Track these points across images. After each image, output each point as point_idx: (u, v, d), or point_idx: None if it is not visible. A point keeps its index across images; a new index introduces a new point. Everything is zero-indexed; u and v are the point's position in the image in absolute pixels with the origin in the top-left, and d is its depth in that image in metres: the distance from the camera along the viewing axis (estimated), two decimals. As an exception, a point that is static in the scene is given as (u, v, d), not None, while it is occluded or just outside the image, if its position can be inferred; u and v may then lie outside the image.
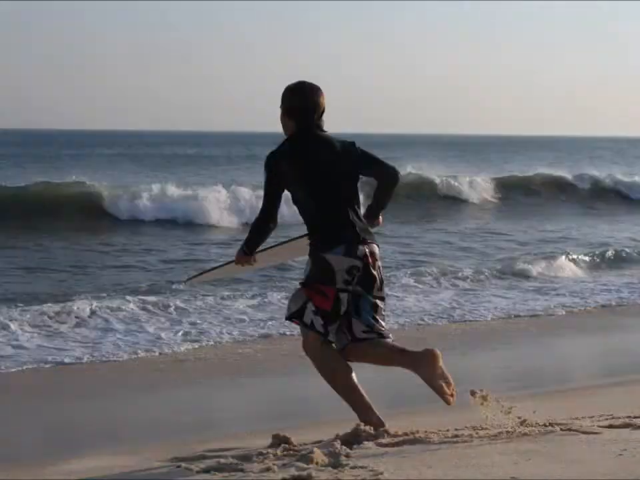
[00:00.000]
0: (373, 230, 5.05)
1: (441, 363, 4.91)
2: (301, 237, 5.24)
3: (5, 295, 12.02)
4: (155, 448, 5.73)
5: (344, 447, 4.67)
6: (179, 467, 4.75)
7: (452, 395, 4.96)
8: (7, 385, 8.22)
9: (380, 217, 5.17)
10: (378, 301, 4.97)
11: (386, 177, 5.05)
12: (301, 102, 4.93)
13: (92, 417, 7.34)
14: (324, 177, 4.88)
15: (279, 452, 4.76)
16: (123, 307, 10.89)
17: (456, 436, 4.93)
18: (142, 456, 5.39)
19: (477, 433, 5.00)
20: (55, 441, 6.75)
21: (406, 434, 4.96)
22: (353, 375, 4.98)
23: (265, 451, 4.79)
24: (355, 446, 4.76)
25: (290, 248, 5.53)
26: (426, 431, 5.01)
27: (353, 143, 5.02)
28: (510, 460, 4.43)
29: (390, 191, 5.10)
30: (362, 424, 4.97)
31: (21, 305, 11.01)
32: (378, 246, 5.01)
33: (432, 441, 4.87)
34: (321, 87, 5.10)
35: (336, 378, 4.96)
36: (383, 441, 4.85)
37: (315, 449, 4.62)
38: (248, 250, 5.06)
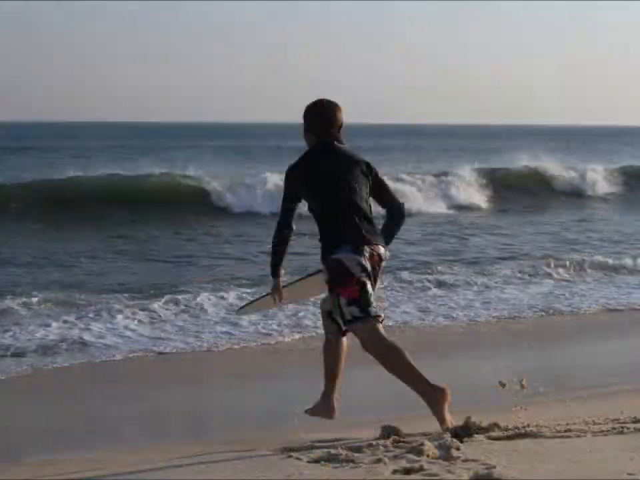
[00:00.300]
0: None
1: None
2: (318, 271, 5.53)
3: (112, 285, 12.34)
4: (263, 437, 5.81)
5: (454, 440, 4.64)
6: (289, 456, 4.79)
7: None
8: (115, 373, 8.47)
9: None
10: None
11: (395, 209, 5.46)
12: (320, 118, 5.35)
13: (196, 404, 7.48)
14: (332, 185, 5.25)
15: (389, 443, 4.76)
16: (225, 297, 11.12)
17: (568, 430, 4.86)
18: (251, 445, 5.46)
19: (589, 427, 4.93)
20: (162, 427, 6.92)
21: (517, 427, 4.91)
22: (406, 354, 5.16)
23: (374, 442, 4.79)
24: (465, 439, 4.74)
25: (311, 284, 5.77)
26: (537, 425, 4.95)
27: (368, 163, 5.38)
28: (625, 456, 4.33)
29: (397, 227, 5.47)
30: (471, 417, 4.95)
31: (128, 294, 11.31)
32: (384, 248, 5.29)
33: (544, 434, 4.81)
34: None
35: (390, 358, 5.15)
36: (494, 434, 4.82)
37: (426, 441, 4.60)
38: (273, 262, 5.49)
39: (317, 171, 5.29)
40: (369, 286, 5.12)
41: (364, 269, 5.12)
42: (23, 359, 8.68)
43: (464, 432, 4.82)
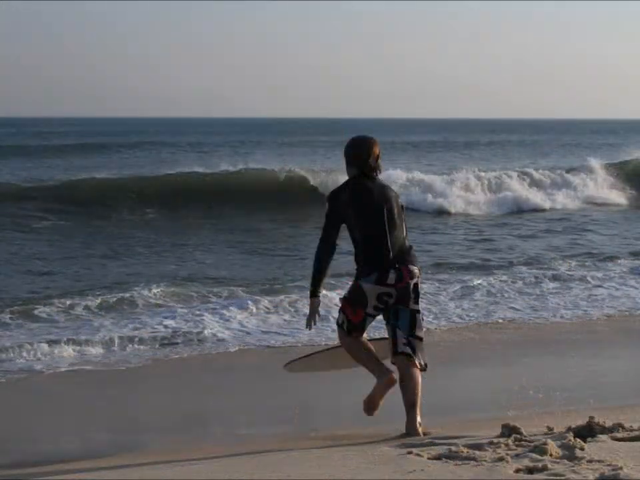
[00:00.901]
0: None
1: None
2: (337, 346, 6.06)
3: (221, 280, 12.56)
4: (381, 431, 5.85)
5: (578, 440, 4.59)
6: (409, 452, 4.80)
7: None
8: (231, 364, 8.66)
9: None
10: (415, 312, 5.82)
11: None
12: (358, 153, 5.95)
13: (306, 397, 7.52)
14: (366, 212, 5.85)
15: (510, 442, 4.74)
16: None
17: (696, 432, 4.75)
18: (370, 439, 5.53)
19: None
20: (275, 418, 7.01)
21: (642, 428, 4.83)
22: (365, 344, 5.92)
23: (496, 440, 4.77)
24: (588, 439, 4.68)
25: (332, 357, 6.25)
26: (664, 426, 4.86)
27: (402, 205, 6.05)
28: None
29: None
30: (594, 417, 4.91)
31: (244, 288, 11.53)
32: (416, 266, 5.87)
33: (672, 436, 4.71)
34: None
35: (351, 350, 5.96)
36: (619, 434, 4.74)
37: (548, 440, 4.56)
38: (313, 282, 5.93)
39: (357, 201, 5.85)
40: (369, 320, 5.85)
41: (377, 308, 5.80)
42: (142, 348, 8.99)
43: (587, 432, 4.76)
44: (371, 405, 5.77)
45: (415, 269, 5.83)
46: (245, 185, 23.92)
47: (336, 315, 6.41)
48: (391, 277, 5.74)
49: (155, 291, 11.19)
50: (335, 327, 6.37)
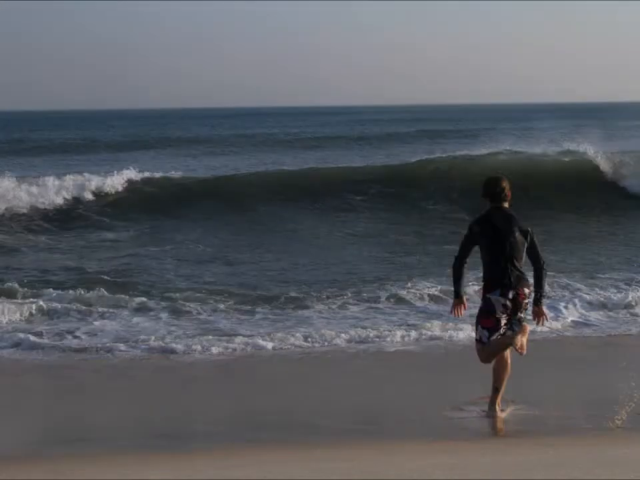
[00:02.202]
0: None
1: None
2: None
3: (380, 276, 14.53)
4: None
5: None
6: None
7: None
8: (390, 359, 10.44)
9: (543, 309, 7.94)
10: (521, 319, 7.81)
11: (535, 266, 7.82)
12: (491, 189, 7.86)
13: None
14: (495, 239, 7.70)
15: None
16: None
17: None
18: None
19: None
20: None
21: None
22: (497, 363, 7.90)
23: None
24: None
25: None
26: None
27: (527, 230, 7.79)
28: None
29: (539, 281, 7.84)
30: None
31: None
32: (529, 289, 7.78)
33: None
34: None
35: (484, 359, 7.91)
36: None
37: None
38: (454, 289, 7.99)
39: (489, 229, 7.72)
40: (502, 321, 7.76)
41: (505, 308, 7.73)
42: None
43: None
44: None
45: (527, 291, 7.74)
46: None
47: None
48: (511, 293, 7.68)
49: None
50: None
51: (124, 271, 15.16)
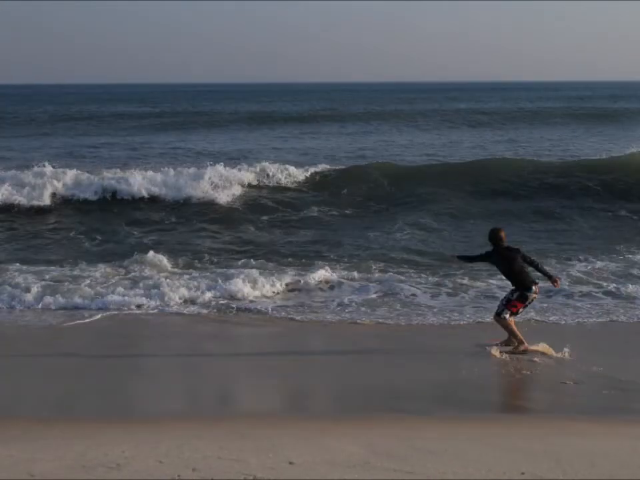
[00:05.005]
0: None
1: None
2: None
3: None
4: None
5: None
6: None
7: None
8: None
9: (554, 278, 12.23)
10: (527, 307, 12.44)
11: (534, 266, 12.14)
12: (493, 239, 12.22)
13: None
14: (506, 262, 12.13)
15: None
16: None
17: None
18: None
19: None
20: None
21: None
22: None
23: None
24: None
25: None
26: None
27: (518, 250, 12.23)
28: None
29: (540, 270, 12.19)
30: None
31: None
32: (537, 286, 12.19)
33: None
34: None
35: (508, 327, 12.08)
36: None
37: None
38: (463, 257, 13.56)
39: (498, 258, 12.19)
40: (521, 310, 12.22)
41: (530, 302, 12.17)
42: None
43: None
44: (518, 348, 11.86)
45: (537, 288, 12.16)
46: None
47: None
48: (534, 289, 12.03)
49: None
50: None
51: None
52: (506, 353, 11.59)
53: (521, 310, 12.00)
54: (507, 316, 11.84)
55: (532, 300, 11.97)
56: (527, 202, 23.98)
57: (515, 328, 11.85)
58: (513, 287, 11.98)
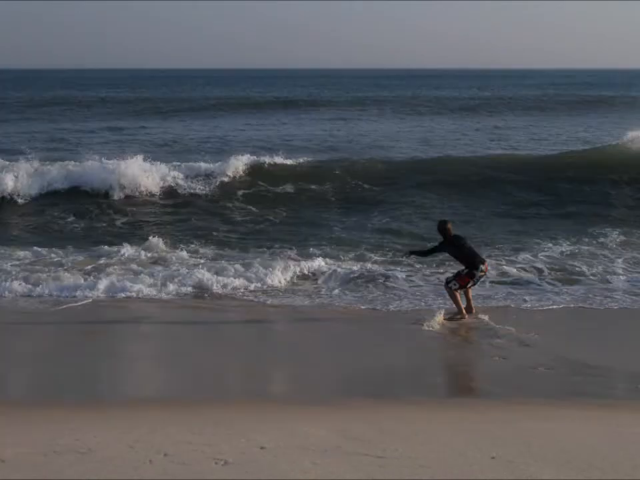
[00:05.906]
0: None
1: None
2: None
3: None
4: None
5: None
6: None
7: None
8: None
9: None
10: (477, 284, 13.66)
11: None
12: (442, 230, 13.49)
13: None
14: (456, 248, 13.41)
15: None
16: None
17: None
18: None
19: None
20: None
21: None
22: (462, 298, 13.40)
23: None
24: None
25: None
26: None
27: (464, 237, 13.69)
28: None
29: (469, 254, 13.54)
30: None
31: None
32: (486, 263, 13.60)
33: None
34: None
35: (453, 296, 13.26)
36: None
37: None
38: (416, 252, 14.45)
39: (449, 246, 13.44)
40: (470, 284, 13.31)
41: (478, 278, 13.34)
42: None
43: None
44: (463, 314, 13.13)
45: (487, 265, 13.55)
46: None
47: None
48: (482, 267, 13.26)
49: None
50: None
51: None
52: (445, 319, 12.76)
53: (469, 284, 13.26)
54: (454, 287, 13.16)
55: (480, 277, 13.31)
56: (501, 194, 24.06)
57: (459, 298, 13.15)
58: (464, 267, 13.25)
